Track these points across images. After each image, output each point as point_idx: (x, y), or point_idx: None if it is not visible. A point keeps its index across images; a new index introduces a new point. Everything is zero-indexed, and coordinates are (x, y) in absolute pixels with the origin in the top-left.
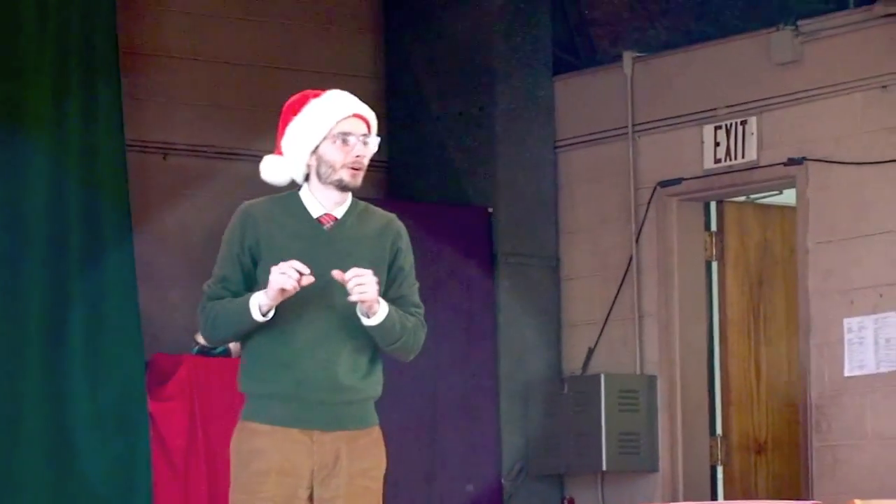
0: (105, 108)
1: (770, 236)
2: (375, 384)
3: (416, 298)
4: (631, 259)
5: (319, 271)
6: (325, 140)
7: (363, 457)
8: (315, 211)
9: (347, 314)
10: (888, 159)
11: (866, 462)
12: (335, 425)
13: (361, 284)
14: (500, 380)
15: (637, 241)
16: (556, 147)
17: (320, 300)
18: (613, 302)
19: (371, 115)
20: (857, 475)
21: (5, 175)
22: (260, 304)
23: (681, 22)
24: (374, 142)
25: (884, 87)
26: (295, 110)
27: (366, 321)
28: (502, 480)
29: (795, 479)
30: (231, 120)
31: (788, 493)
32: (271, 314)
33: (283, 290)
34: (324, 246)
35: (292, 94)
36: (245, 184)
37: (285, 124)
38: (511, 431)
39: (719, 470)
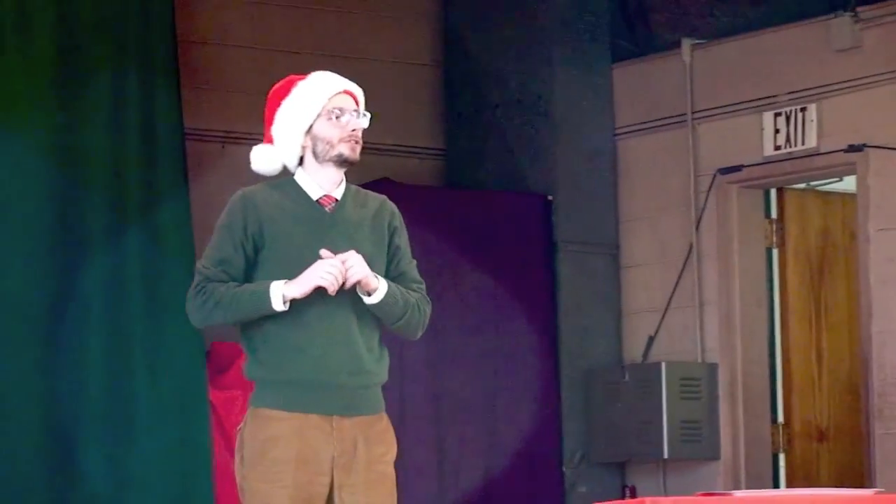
0: (163, 97)
1: (831, 223)
2: (385, 368)
3: (416, 274)
4: (691, 246)
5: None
6: (318, 118)
7: (379, 442)
8: (314, 193)
9: (356, 298)
10: None
11: None
12: (354, 410)
13: (350, 268)
14: (560, 368)
15: (697, 228)
16: (615, 135)
17: None
18: (674, 290)
19: (359, 92)
20: None
21: (65, 160)
22: (285, 294)
23: (739, 8)
24: (365, 120)
25: None
26: (282, 96)
27: (368, 300)
28: (563, 468)
29: (858, 466)
30: None
31: (851, 481)
32: (288, 304)
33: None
34: (327, 228)
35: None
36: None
37: (272, 111)
38: (572, 419)
39: (781, 457)
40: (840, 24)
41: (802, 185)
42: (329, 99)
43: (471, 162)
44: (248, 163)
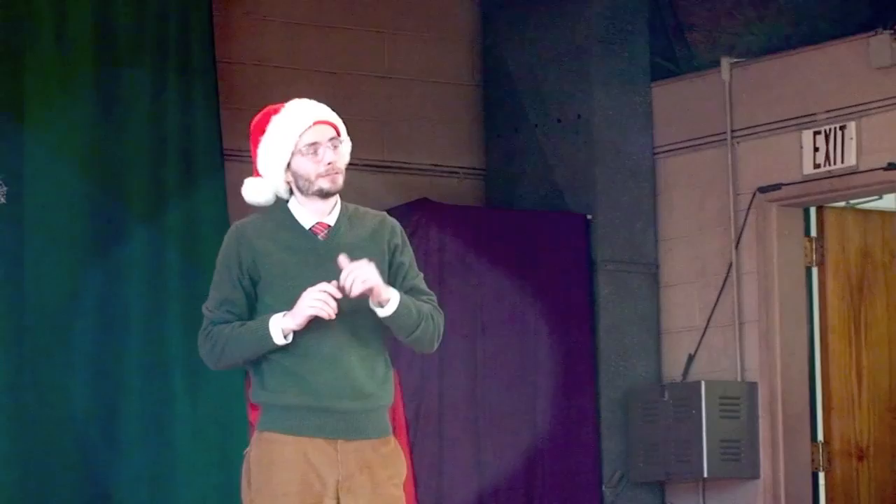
0: (202, 118)
1: (870, 241)
2: (391, 391)
3: (425, 287)
4: (730, 265)
5: (320, 282)
6: (294, 155)
7: (386, 465)
8: (307, 222)
9: (357, 321)
10: None
11: None
12: (357, 434)
13: (360, 275)
14: (599, 387)
15: (737, 247)
16: (654, 153)
17: None
18: (713, 308)
19: (336, 119)
20: None
21: (102, 181)
22: (283, 328)
23: (778, 27)
24: (344, 146)
25: None
26: (262, 129)
27: (381, 312)
28: (603, 488)
29: None
30: None
31: (891, 500)
32: (291, 336)
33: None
34: (321, 256)
35: (389, 103)
36: (343, 193)
37: (255, 146)
38: (611, 439)
39: (821, 476)
40: (879, 42)
41: (842, 204)
42: (300, 135)
43: (510, 181)
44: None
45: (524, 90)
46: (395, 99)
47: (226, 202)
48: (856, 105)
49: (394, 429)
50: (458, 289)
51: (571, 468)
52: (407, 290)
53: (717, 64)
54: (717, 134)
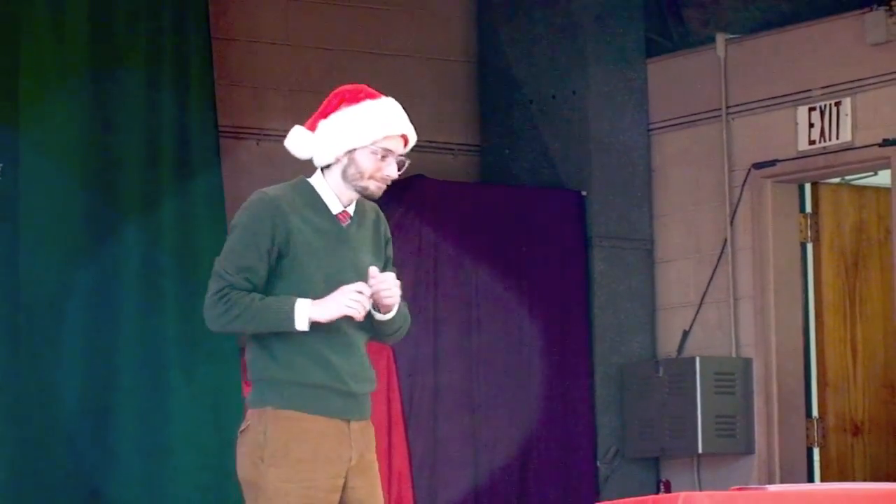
0: (197, 94)
1: (865, 217)
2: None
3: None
4: (725, 241)
5: (339, 267)
6: (364, 147)
7: (370, 443)
8: (334, 207)
9: None
10: None
11: None
12: (363, 415)
13: (388, 289)
14: (594, 363)
15: (731, 223)
16: (649, 130)
17: None
18: (708, 284)
19: (413, 138)
20: None
21: (98, 160)
22: (310, 317)
23: (774, 3)
24: (404, 165)
25: None
26: (346, 100)
27: (380, 316)
28: (598, 463)
29: (893, 460)
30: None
31: (886, 475)
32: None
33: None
34: (342, 243)
35: (384, 79)
36: None
37: (330, 110)
38: (606, 415)
39: (816, 452)
40: (874, 19)
41: (837, 180)
42: (384, 137)
43: (505, 158)
44: (284, 159)
45: (519, 66)
46: (389, 75)
47: (221, 180)
48: (851, 81)
49: (389, 405)
50: (452, 265)
51: (566, 443)
52: None
53: (712, 40)
54: (712, 110)
